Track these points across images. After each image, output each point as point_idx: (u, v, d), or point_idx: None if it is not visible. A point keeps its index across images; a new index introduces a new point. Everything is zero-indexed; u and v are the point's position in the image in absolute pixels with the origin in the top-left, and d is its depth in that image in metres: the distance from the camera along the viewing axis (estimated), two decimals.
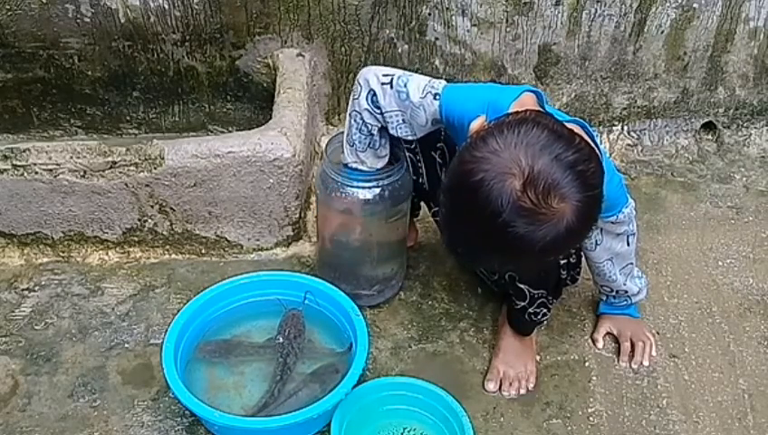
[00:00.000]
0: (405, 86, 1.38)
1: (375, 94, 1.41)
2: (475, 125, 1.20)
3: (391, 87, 1.39)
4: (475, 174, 1.09)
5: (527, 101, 1.29)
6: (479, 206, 1.09)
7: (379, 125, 1.46)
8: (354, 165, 1.51)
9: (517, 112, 1.17)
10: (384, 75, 1.41)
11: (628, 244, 1.48)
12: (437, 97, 1.35)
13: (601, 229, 1.43)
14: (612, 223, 1.41)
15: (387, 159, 1.53)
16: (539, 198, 1.07)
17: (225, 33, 1.92)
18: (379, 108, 1.42)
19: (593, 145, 1.30)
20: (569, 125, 1.24)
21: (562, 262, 1.52)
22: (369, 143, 1.48)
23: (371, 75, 1.42)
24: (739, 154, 2.18)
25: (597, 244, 1.46)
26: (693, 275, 1.81)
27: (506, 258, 1.29)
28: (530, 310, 1.53)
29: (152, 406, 1.50)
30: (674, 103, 2.15)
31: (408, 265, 1.75)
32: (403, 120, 1.41)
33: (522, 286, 1.50)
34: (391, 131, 1.44)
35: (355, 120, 1.46)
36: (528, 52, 2.01)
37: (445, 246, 1.41)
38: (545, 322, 1.61)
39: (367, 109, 1.43)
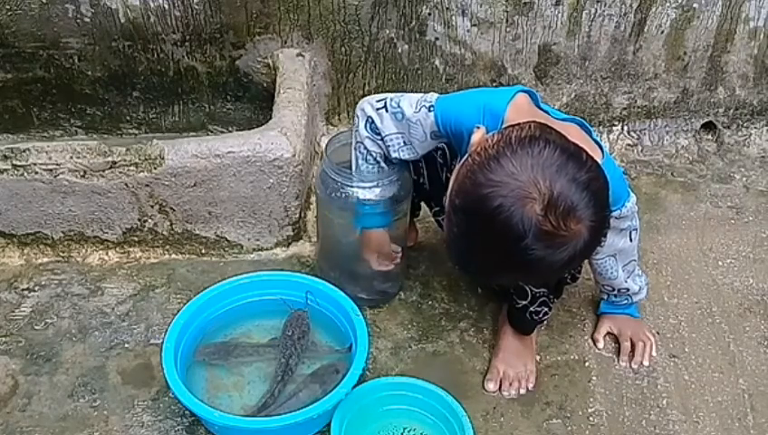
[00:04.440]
0: (398, 105, 1.39)
1: (373, 121, 1.43)
2: (476, 137, 1.20)
3: (386, 110, 1.41)
4: (492, 199, 1.09)
5: (522, 103, 1.30)
6: (498, 230, 1.09)
7: (383, 152, 1.47)
8: (367, 200, 1.50)
9: (521, 125, 1.16)
10: (377, 101, 1.42)
11: (631, 239, 1.47)
12: (431, 109, 1.36)
13: None
14: (616, 218, 1.40)
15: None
16: (559, 222, 1.08)
17: (225, 33, 1.92)
18: (378, 134, 1.43)
19: (595, 145, 1.30)
20: (566, 125, 1.24)
21: None
22: (378, 172, 1.49)
23: (366, 105, 1.44)
24: (739, 154, 2.18)
25: None
26: (693, 275, 1.81)
27: (520, 277, 1.31)
28: (531, 309, 1.53)
29: (152, 406, 1.50)
30: (674, 103, 2.15)
31: (408, 265, 1.75)
32: (404, 141, 1.42)
33: (523, 285, 1.50)
34: (393, 155, 1.44)
35: (360, 152, 1.48)
36: (528, 52, 2.01)
37: (454, 265, 1.40)
38: (546, 321, 1.61)
39: (368, 136, 1.45)
